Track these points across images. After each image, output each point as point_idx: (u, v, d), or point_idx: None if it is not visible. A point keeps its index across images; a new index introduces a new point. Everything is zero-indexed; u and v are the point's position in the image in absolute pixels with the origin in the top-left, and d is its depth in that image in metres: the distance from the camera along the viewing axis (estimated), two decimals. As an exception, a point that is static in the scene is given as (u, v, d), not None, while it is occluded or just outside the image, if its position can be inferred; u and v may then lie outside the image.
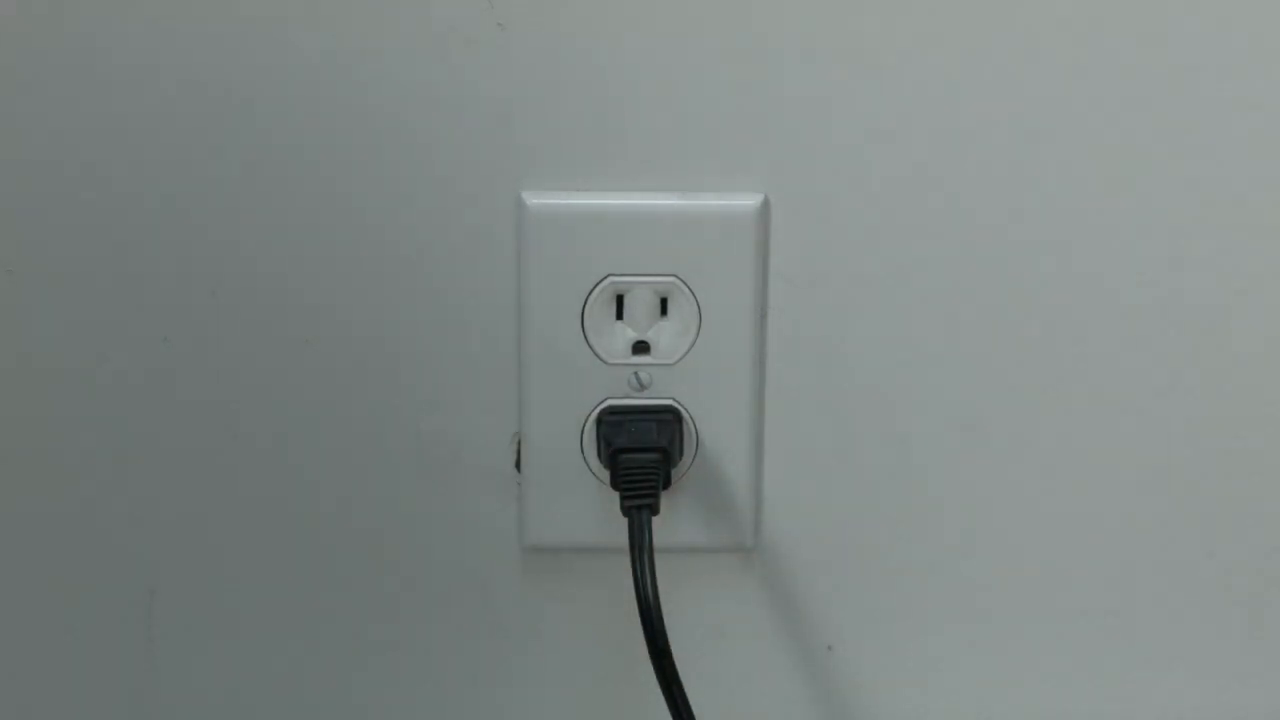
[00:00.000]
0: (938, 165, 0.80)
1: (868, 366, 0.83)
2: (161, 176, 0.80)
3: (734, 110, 0.80)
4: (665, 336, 0.82)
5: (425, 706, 0.88)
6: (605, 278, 0.81)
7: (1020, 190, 0.81)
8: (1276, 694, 0.88)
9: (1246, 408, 0.84)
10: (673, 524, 0.84)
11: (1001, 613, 0.87)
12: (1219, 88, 0.80)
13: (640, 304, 0.81)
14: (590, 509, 0.84)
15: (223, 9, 0.78)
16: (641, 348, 0.82)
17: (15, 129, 0.79)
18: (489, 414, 0.83)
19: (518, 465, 0.84)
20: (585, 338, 0.82)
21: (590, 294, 0.81)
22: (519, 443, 0.84)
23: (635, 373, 0.82)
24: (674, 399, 0.83)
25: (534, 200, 0.80)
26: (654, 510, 0.80)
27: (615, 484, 0.81)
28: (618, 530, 0.80)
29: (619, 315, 0.82)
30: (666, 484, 0.82)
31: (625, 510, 0.80)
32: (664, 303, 0.82)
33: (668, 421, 0.82)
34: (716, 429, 0.83)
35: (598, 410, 0.83)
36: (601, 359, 0.82)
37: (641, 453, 0.81)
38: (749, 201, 0.81)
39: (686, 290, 0.81)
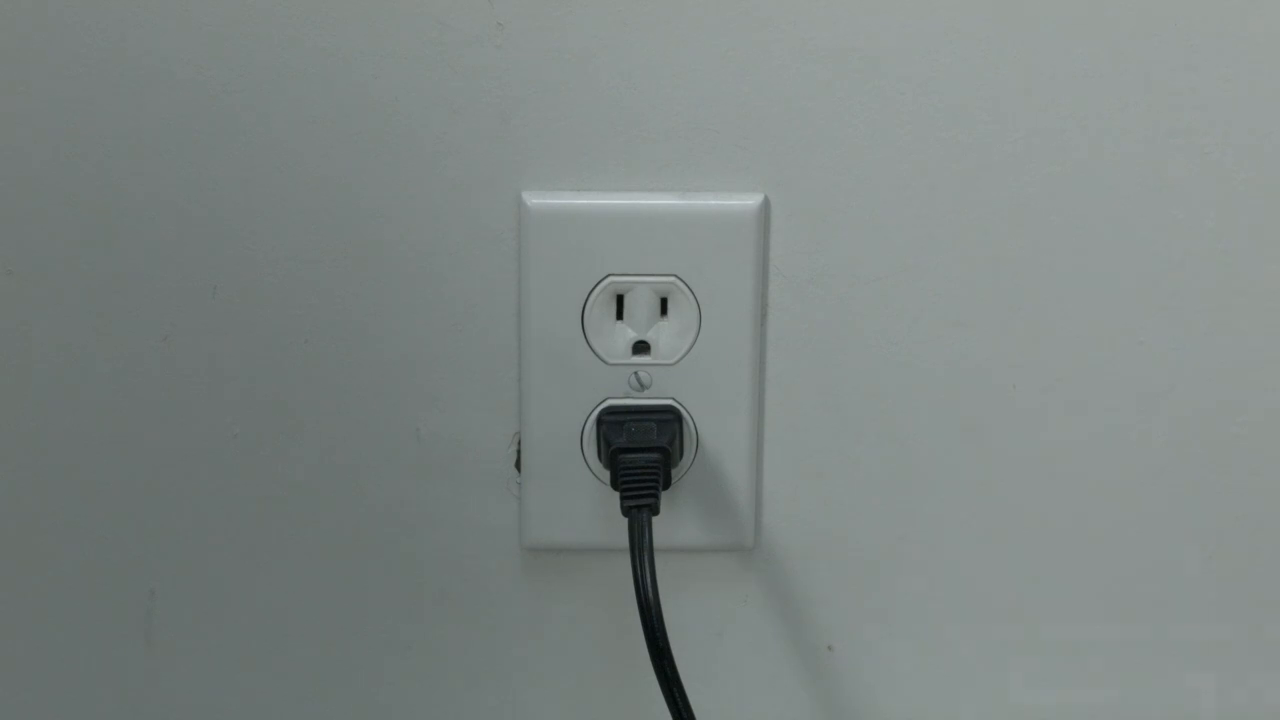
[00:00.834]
0: (938, 165, 0.81)
1: (868, 366, 0.83)
2: (161, 176, 0.80)
3: (734, 110, 0.80)
4: (665, 336, 0.82)
5: (425, 706, 0.88)
6: (605, 278, 0.81)
7: (1020, 190, 0.81)
8: (1277, 694, 0.88)
9: (1246, 408, 0.84)
10: (673, 524, 0.84)
11: (1002, 613, 0.87)
12: (1219, 87, 0.80)
13: (640, 304, 0.81)
14: (590, 509, 0.84)
15: (223, 9, 0.78)
16: (641, 348, 0.82)
17: (15, 129, 0.79)
18: (489, 414, 0.83)
19: (518, 465, 0.84)
20: (585, 338, 0.82)
21: (590, 294, 0.81)
22: (519, 443, 0.84)
23: (635, 373, 0.82)
24: (674, 399, 0.83)
25: (534, 200, 0.80)
26: (654, 510, 0.80)
27: (615, 484, 0.81)
28: (618, 530, 0.80)
29: (619, 315, 0.82)
30: (666, 484, 0.82)
31: (625, 510, 0.80)
32: (664, 303, 0.82)
33: (668, 421, 0.82)
34: (716, 429, 0.83)
35: (598, 410, 0.83)
36: (601, 359, 0.82)
37: (641, 453, 0.81)
38: (749, 201, 0.81)
39: (686, 290, 0.81)
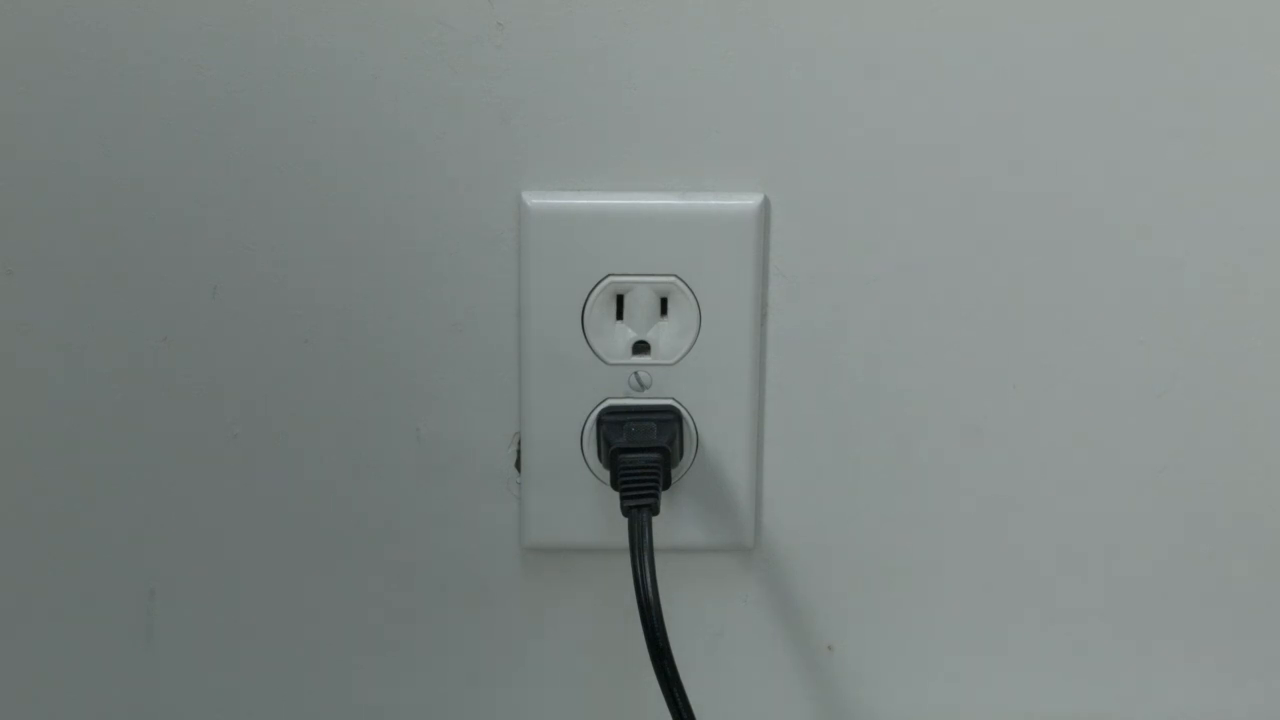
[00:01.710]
0: (938, 165, 0.81)
1: (868, 366, 0.83)
2: (161, 176, 0.80)
3: (734, 110, 0.80)
4: (665, 336, 0.82)
5: (425, 706, 0.88)
6: (605, 278, 0.81)
7: (1020, 190, 0.81)
8: (1277, 694, 0.88)
9: (1247, 408, 0.84)
10: (673, 524, 0.84)
11: (1001, 613, 0.87)
12: (1220, 87, 0.80)
13: (640, 304, 0.81)
14: (590, 509, 0.84)
15: (223, 9, 0.78)
16: (641, 348, 0.82)
17: (15, 129, 0.79)
18: (489, 414, 0.83)
19: (518, 465, 0.84)
20: (585, 338, 0.82)
21: (590, 294, 0.81)
22: (519, 443, 0.84)
23: (635, 373, 0.82)
24: (674, 399, 0.83)
25: (534, 200, 0.80)
26: (654, 510, 0.80)
27: (615, 484, 0.81)
28: (618, 530, 0.80)
29: (619, 315, 0.82)
30: (666, 484, 0.82)
31: (625, 510, 0.80)
32: (664, 303, 0.82)
33: (668, 421, 0.82)
34: (716, 429, 0.83)
35: (598, 410, 0.83)
36: (601, 359, 0.82)
37: (641, 453, 0.81)
38: (749, 201, 0.81)
39: (686, 290, 0.81)
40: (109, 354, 0.82)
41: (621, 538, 0.79)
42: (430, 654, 0.87)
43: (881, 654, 0.87)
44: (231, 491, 0.84)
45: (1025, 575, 0.86)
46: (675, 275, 0.81)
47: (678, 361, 0.82)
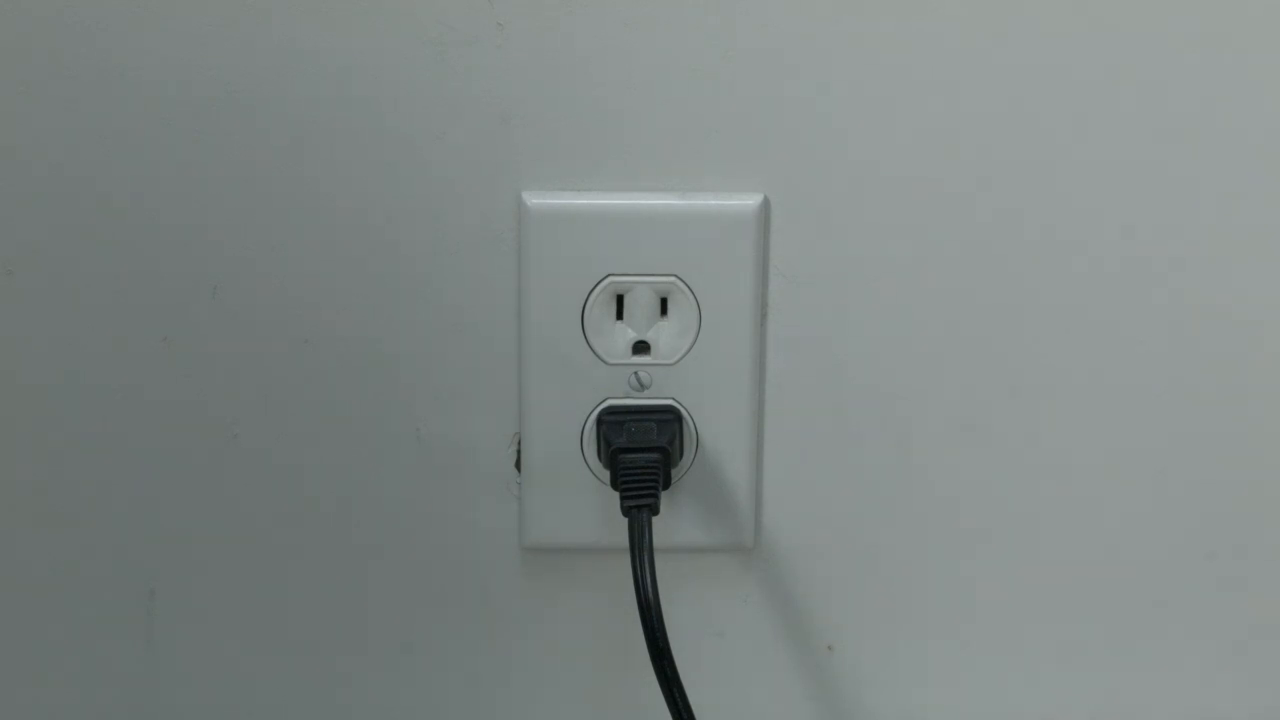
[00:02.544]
0: (938, 165, 0.81)
1: (868, 366, 0.83)
2: (162, 176, 0.80)
3: (734, 110, 0.80)
4: (665, 336, 0.82)
5: (425, 706, 0.88)
6: (605, 278, 0.81)
7: (1020, 190, 0.81)
8: (1277, 694, 0.88)
9: (1246, 407, 0.84)
10: (673, 524, 0.84)
11: (1001, 613, 0.87)
12: (1220, 87, 0.80)
13: (640, 304, 0.81)
14: (590, 509, 0.84)
15: (223, 8, 0.78)
16: (641, 348, 0.82)
17: (15, 129, 0.79)
18: (489, 414, 0.83)
19: (518, 465, 0.84)
20: (585, 338, 0.82)
21: (590, 294, 0.81)
22: (519, 443, 0.84)
23: (635, 373, 0.82)
24: (674, 399, 0.83)
25: (534, 200, 0.80)
26: (654, 510, 0.80)
27: (615, 484, 0.81)
28: (618, 530, 0.80)
29: (619, 315, 0.82)
30: (666, 484, 0.82)
31: (625, 510, 0.80)
32: (664, 303, 0.82)
33: (668, 421, 0.82)
34: (716, 429, 0.83)
35: (598, 410, 0.83)
36: (601, 359, 0.82)
37: (641, 453, 0.81)
38: (749, 201, 0.81)
39: (686, 290, 0.81)
40: (109, 354, 0.82)
41: (621, 538, 0.79)
42: (430, 654, 0.87)
43: (881, 654, 0.87)
44: (231, 492, 0.84)
45: (1025, 575, 0.86)
46: (675, 275, 0.81)
47: (678, 361, 0.82)
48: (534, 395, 0.83)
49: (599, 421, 0.83)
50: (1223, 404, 0.84)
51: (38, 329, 0.82)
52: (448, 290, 0.82)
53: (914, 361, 0.83)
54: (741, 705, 0.88)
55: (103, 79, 0.79)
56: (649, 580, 0.78)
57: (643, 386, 0.82)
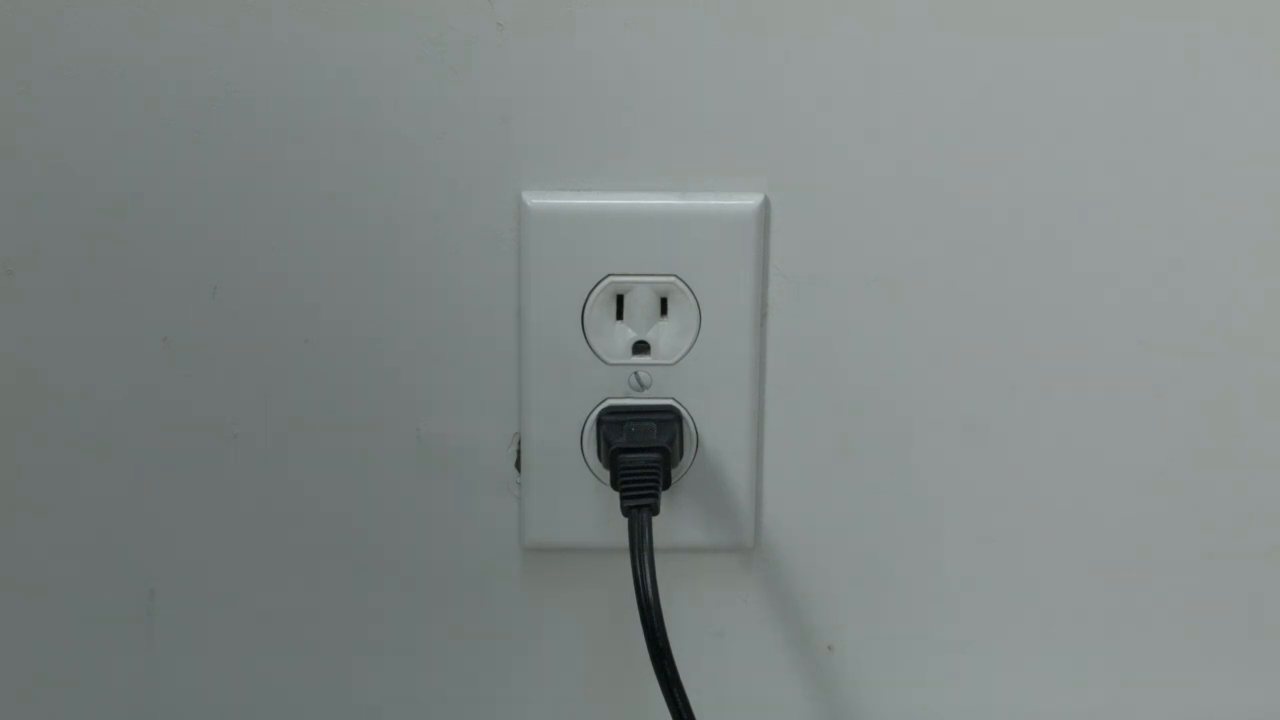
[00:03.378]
0: (938, 165, 0.81)
1: (868, 366, 0.83)
2: (162, 176, 0.80)
3: (734, 110, 0.80)
4: (665, 336, 0.82)
5: (425, 706, 0.88)
6: (605, 278, 0.81)
7: (1020, 190, 0.81)
8: (1277, 694, 0.88)
9: (1246, 407, 0.84)
10: (673, 524, 0.84)
11: (1001, 613, 0.87)
12: (1220, 87, 0.80)
13: (640, 304, 0.81)
14: (590, 509, 0.84)
15: (223, 8, 0.78)
16: (641, 348, 0.82)
17: (15, 129, 0.79)
18: (489, 414, 0.83)
19: (518, 465, 0.84)
20: (585, 338, 0.82)
21: (590, 294, 0.81)
22: (519, 443, 0.84)
23: (635, 373, 0.82)
24: (674, 399, 0.83)
25: (534, 200, 0.80)
26: (654, 510, 0.80)
27: (615, 484, 0.81)
28: (618, 530, 0.80)
29: (619, 315, 0.82)
30: (666, 484, 0.82)
31: (625, 510, 0.80)
32: (664, 303, 0.82)
33: (668, 421, 0.82)
34: (716, 429, 0.83)
35: (598, 410, 0.83)
36: (601, 359, 0.82)
37: (641, 453, 0.81)
38: (749, 201, 0.81)
39: (686, 290, 0.81)
40: (109, 354, 0.82)
41: (621, 538, 0.79)
42: (430, 654, 0.87)
43: (881, 654, 0.87)
44: (232, 492, 0.84)
45: (1025, 575, 0.86)
46: (675, 275, 0.81)
47: (678, 361, 0.82)
48: (534, 395, 0.83)
49: (599, 421, 0.83)
50: (1222, 404, 0.84)
51: (38, 329, 0.82)
52: (448, 290, 0.82)
53: (914, 362, 0.83)
54: (741, 705, 0.88)
55: (103, 79, 0.79)
56: (649, 580, 0.78)
57: (643, 386, 0.82)
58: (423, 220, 0.81)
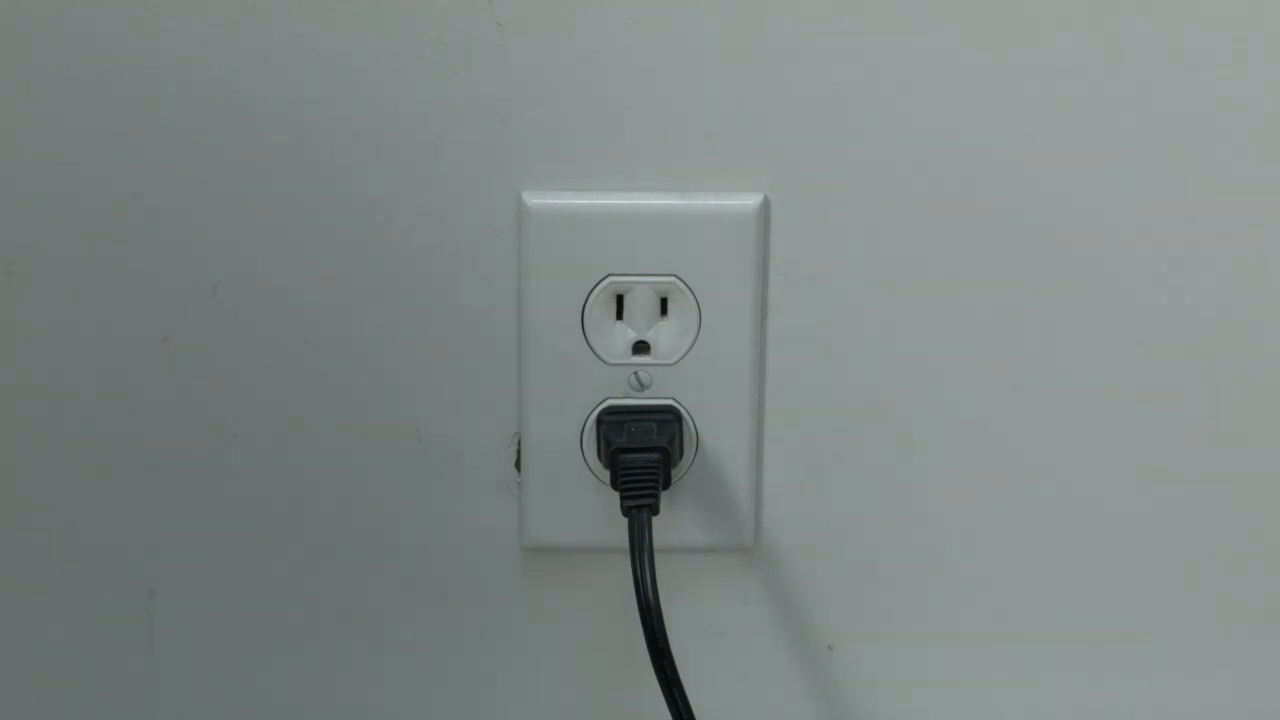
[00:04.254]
0: (938, 165, 0.81)
1: (868, 366, 0.83)
2: (161, 176, 0.80)
3: (734, 110, 0.80)
4: (665, 336, 0.82)
5: (425, 706, 0.88)
6: (605, 278, 0.81)
7: (1020, 190, 0.81)
8: (1277, 694, 0.88)
9: (1247, 407, 0.84)
10: (673, 524, 0.84)
11: (1001, 613, 0.87)
12: (1220, 87, 0.80)
13: (640, 304, 0.81)
14: (590, 509, 0.84)
15: (223, 8, 0.78)
16: (641, 348, 0.82)
17: (15, 129, 0.79)
18: (489, 414, 0.83)
19: (518, 465, 0.84)
20: (585, 338, 0.82)
21: (590, 294, 0.81)
22: (519, 443, 0.84)
23: (635, 373, 0.82)
24: (674, 399, 0.83)
25: (534, 200, 0.80)
26: (654, 510, 0.80)
27: (615, 484, 0.81)
28: (618, 530, 0.80)
29: (619, 315, 0.82)
30: (666, 484, 0.82)
31: (625, 510, 0.80)
32: (664, 303, 0.82)
33: (668, 421, 0.82)
34: (716, 429, 0.83)
35: (598, 410, 0.83)
36: (601, 359, 0.82)
37: (641, 453, 0.81)
38: (749, 201, 0.81)
39: (686, 290, 0.81)
40: (109, 354, 0.82)
41: (621, 538, 0.79)
42: (430, 654, 0.87)
43: (881, 654, 0.87)
44: (231, 492, 0.84)
45: (1025, 575, 0.86)
46: (675, 275, 0.81)
47: (678, 361, 0.82)
48: (534, 395, 0.83)
49: (599, 421, 0.83)
50: (1222, 403, 0.84)
51: (38, 329, 0.82)
52: (448, 290, 0.82)
53: (914, 361, 0.83)
54: (741, 705, 0.88)
55: (103, 79, 0.79)
56: (649, 580, 0.78)
57: (643, 386, 0.82)
58: (423, 220, 0.81)
